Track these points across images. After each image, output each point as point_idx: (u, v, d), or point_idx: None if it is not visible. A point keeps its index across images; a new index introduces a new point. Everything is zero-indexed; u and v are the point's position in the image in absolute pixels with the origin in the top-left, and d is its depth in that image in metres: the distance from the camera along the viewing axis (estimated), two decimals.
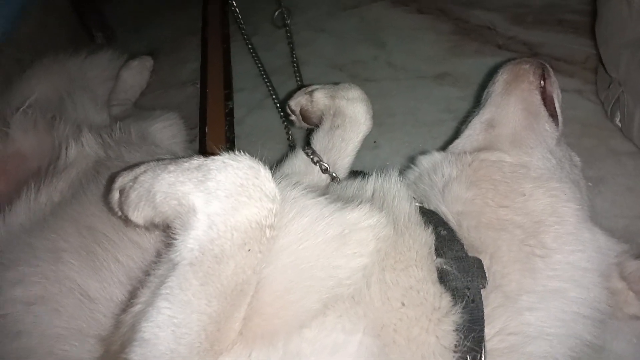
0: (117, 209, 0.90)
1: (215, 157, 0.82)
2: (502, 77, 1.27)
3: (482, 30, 2.10)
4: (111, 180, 0.92)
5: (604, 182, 1.46)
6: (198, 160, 0.83)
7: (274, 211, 0.80)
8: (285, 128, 1.81)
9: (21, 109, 1.52)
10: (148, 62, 2.27)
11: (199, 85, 2.25)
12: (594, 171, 1.46)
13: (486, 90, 1.30)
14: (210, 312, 0.76)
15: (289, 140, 1.76)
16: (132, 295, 0.86)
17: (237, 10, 2.12)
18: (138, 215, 0.84)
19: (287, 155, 1.46)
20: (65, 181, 1.27)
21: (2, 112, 1.51)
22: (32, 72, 1.85)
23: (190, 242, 0.77)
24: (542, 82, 1.24)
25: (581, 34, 1.91)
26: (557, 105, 1.24)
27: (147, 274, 0.83)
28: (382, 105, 1.87)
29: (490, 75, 1.37)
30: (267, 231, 0.79)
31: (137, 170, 0.88)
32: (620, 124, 1.54)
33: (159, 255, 0.84)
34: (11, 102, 1.60)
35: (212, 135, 1.96)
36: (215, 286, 0.76)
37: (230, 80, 2.22)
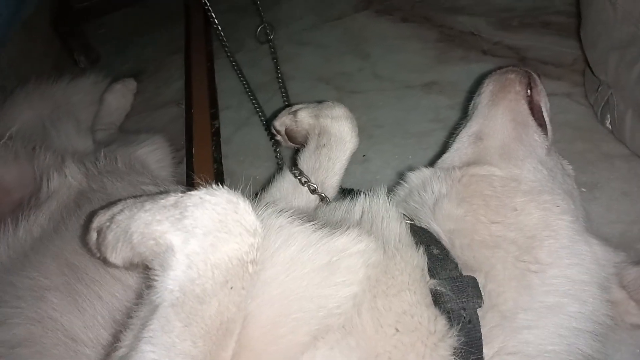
0: (95, 250, 0.87)
1: (192, 193, 0.79)
2: (488, 88, 1.24)
3: (467, 36, 2.09)
4: (89, 219, 0.89)
5: (598, 187, 1.44)
6: (175, 197, 0.80)
7: (255, 245, 0.77)
8: (273, 146, 1.79)
9: (2, 141, 1.50)
10: (131, 85, 2.25)
11: (184, 106, 2.22)
12: (588, 176, 1.44)
13: (472, 102, 1.28)
14: (196, 353, 0.73)
15: (277, 158, 1.74)
16: (116, 337, 0.82)
17: (220, 27, 2.09)
18: (116, 256, 0.81)
19: (274, 176, 1.43)
20: (45, 214, 1.25)
21: None
22: (14, 101, 1.82)
23: (170, 283, 0.74)
24: (528, 91, 1.22)
25: (567, 35, 1.90)
26: (545, 114, 1.22)
27: (129, 315, 0.80)
28: (369, 117, 1.85)
29: (476, 83, 1.35)
30: (250, 267, 0.77)
31: (114, 209, 0.85)
32: (610, 127, 1.52)
33: (140, 295, 0.81)
34: None
35: (199, 157, 1.94)
36: (200, 326, 0.73)
37: (216, 99, 2.20)
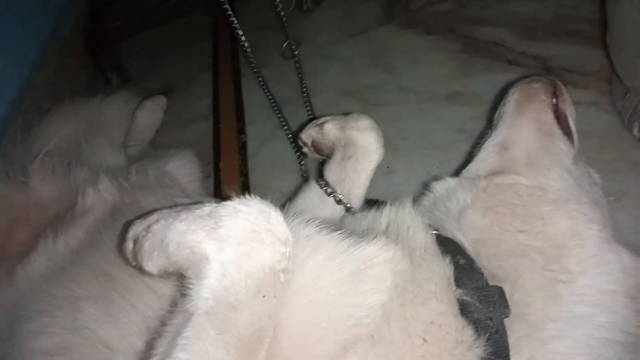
0: (131, 259, 0.90)
1: (226, 203, 0.82)
2: (513, 97, 1.25)
3: (491, 46, 2.09)
4: (125, 229, 0.93)
5: (627, 195, 1.41)
6: (209, 207, 0.83)
7: (287, 255, 0.80)
8: (298, 158, 1.82)
9: (39, 157, 1.56)
10: (162, 102, 2.30)
11: (212, 121, 2.27)
12: (616, 185, 1.42)
13: (497, 111, 1.28)
14: None
15: (302, 171, 1.77)
16: (150, 346, 0.85)
17: (246, 44, 2.14)
18: (152, 265, 0.84)
19: (300, 187, 1.46)
20: (82, 228, 1.29)
21: (22, 161, 1.54)
22: (50, 119, 1.89)
23: (205, 292, 0.77)
24: (554, 100, 1.21)
25: (593, 44, 1.87)
26: (571, 122, 1.21)
27: (163, 323, 0.83)
28: (394, 129, 1.86)
29: (501, 93, 1.35)
30: (281, 275, 0.79)
31: (150, 219, 0.89)
32: (638, 134, 1.50)
33: (174, 304, 0.83)
34: (30, 150, 1.64)
35: (226, 170, 1.98)
36: (233, 335, 0.75)
37: (242, 113, 2.25)
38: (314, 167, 1.79)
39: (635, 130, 1.51)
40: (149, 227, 0.87)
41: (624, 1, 1.41)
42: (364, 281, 0.87)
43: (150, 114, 2.22)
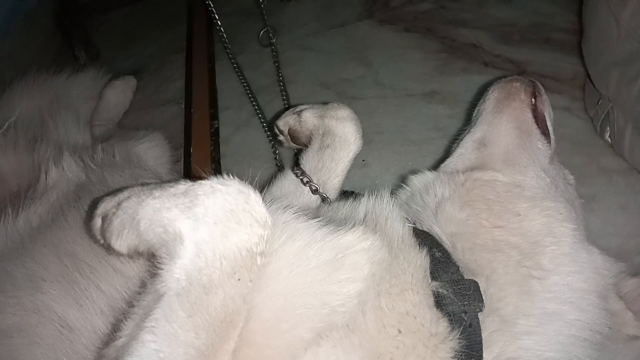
0: (99, 237, 0.85)
1: (203, 182, 0.79)
2: (493, 95, 1.26)
3: (469, 48, 2.10)
4: (93, 205, 0.88)
5: (596, 200, 1.45)
6: (185, 185, 0.79)
7: (265, 237, 0.77)
8: (272, 147, 1.79)
9: (1, 130, 1.48)
10: (131, 82, 2.24)
11: (183, 105, 2.21)
12: (586, 189, 1.44)
13: (477, 109, 1.29)
14: (198, 344, 0.72)
15: (277, 159, 1.74)
16: (115, 327, 0.81)
17: (222, 29, 2.10)
18: (121, 243, 0.80)
19: (275, 176, 1.43)
20: (44, 205, 1.23)
21: None
22: (14, 92, 1.81)
23: (177, 272, 0.73)
24: (533, 100, 1.23)
25: (568, 51, 1.92)
26: (548, 123, 1.23)
27: (130, 304, 0.79)
28: (370, 123, 1.85)
29: (478, 94, 1.36)
30: (258, 258, 0.76)
31: (121, 196, 0.84)
32: (610, 140, 1.54)
33: (143, 285, 0.80)
34: None
35: (197, 156, 1.93)
36: (204, 317, 0.72)
37: (216, 99, 2.19)
38: (288, 156, 1.76)
39: (606, 136, 1.54)
40: (119, 203, 0.83)
41: (601, 12, 1.44)
42: (341, 269, 0.85)
43: (119, 94, 2.15)
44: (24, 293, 1.00)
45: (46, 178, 1.35)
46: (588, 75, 1.61)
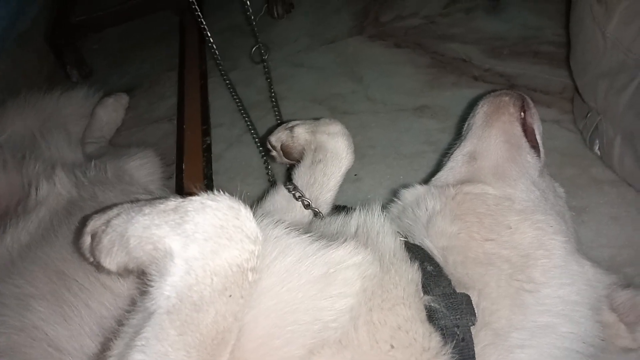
0: (88, 255, 0.85)
1: (193, 198, 0.79)
2: (482, 110, 1.26)
3: (458, 63, 2.12)
4: (83, 223, 0.88)
5: (587, 211, 1.45)
6: (175, 202, 0.79)
7: (256, 253, 0.77)
8: (264, 163, 1.79)
9: None
10: (123, 99, 2.25)
11: (176, 122, 2.22)
12: (577, 201, 1.46)
13: (467, 122, 1.30)
14: None
15: (269, 175, 1.74)
16: (105, 347, 0.80)
17: (215, 45, 2.11)
18: (111, 261, 0.80)
19: (267, 191, 1.43)
20: (34, 222, 1.22)
21: None
22: (5, 111, 1.81)
23: (167, 289, 0.73)
24: (522, 113, 1.24)
25: (557, 65, 1.93)
26: (538, 136, 1.24)
27: (120, 323, 0.78)
28: (362, 138, 1.87)
29: (468, 108, 1.37)
30: (249, 275, 0.76)
31: (110, 213, 0.84)
32: (599, 152, 1.55)
33: (133, 303, 0.79)
34: None
35: (189, 172, 1.93)
36: (195, 336, 0.72)
37: (208, 116, 2.20)
38: (280, 172, 1.76)
39: (595, 148, 1.55)
40: (108, 221, 0.82)
41: (587, 25, 1.46)
42: (333, 285, 0.85)
43: (111, 112, 2.16)
44: (12, 312, 1.00)
45: (36, 194, 1.35)
46: (576, 88, 1.62)
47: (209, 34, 2.10)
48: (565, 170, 1.56)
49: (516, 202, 1.08)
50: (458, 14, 2.38)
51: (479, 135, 1.22)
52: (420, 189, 1.18)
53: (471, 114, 1.29)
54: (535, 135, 1.23)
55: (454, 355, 0.84)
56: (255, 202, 1.41)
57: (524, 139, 1.20)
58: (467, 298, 0.92)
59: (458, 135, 1.35)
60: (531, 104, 1.27)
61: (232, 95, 2.15)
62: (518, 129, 1.21)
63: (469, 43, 2.20)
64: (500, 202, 1.07)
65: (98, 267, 0.83)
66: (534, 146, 1.21)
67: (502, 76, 2.00)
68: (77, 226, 1.08)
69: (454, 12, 2.40)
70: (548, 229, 1.02)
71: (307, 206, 1.28)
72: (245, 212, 0.79)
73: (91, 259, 0.84)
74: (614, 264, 1.31)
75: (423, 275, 0.95)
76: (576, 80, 1.62)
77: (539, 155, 1.21)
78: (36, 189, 1.33)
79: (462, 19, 2.35)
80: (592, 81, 1.48)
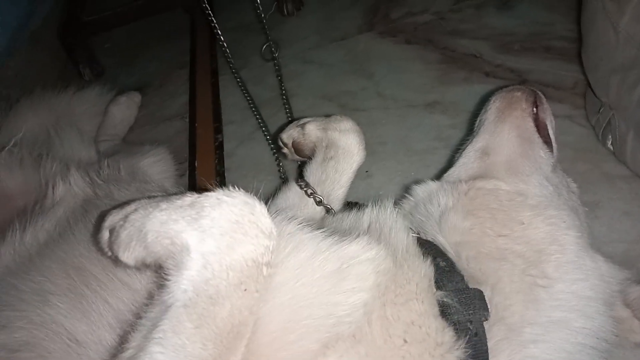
0: (106, 249, 0.86)
1: (209, 194, 0.80)
2: (494, 105, 1.26)
3: (469, 58, 2.12)
4: (101, 218, 0.89)
5: (600, 206, 1.45)
6: (191, 197, 0.80)
7: (270, 248, 0.78)
8: (276, 160, 1.80)
9: (7, 147, 1.50)
10: (136, 98, 2.27)
11: (187, 119, 2.24)
12: (589, 196, 1.45)
13: (479, 118, 1.30)
14: (205, 356, 0.72)
15: (281, 172, 1.75)
16: (123, 340, 0.82)
17: (225, 44, 2.13)
18: (129, 255, 0.81)
19: (279, 188, 1.44)
20: (51, 220, 1.24)
21: None
22: (19, 109, 1.84)
23: (184, 283, 0.74)
24: (534, 109, 1.24)
25: (569, 60, 1.93)
26: (550, 131, 1.24)
27: (137, 316, 0.80)
28: (373, 134, 1.87)
29: (480, 103, 1.36)
30: (264, 269, 0.77)
31: (128, 209, 0.85)
32: (612, 147, 1.54)
33: (150, 297, 0.80)
34: None
35: (202, 169, 1.94)
36: (211, 329, 0.73)
37: (220, 113, 2.22)
38: (291, 169, 1.77)
39: (608, 144, 1.55)
40: (126, 216, 0.84)
41: (599, 20, 1.45)
42: (347, 279, 0.85)
43: (124, 110, 2.18)
44: (32, 307, 1.01)
45: (53, 193, 1.37)
46: (588, 83, 1.62)
47: (220, 32, 2.12)
48: (578, 166, 1.56)
49: (529, 197, 1.07)
50: (468, 9, 2.38)
51: (492, 130, 1.22)
52: (432, 185, 1.18)
53: (483, 110, 1.29)
54: (547, 130, 1.23)
55: (467, 350, 0.85)
56: (268, 198, 1.42)
57: (536, 135, 1.20)
58: (480, 293, 0.92)
59: (469, 131, 1.35)
60: (543, 99, 1.27)
61: (243, 93, 2.17)
62: (530, 124, 1.21)
63: (480, 39, 2.20)
64: (513, 197, 1.07)
65: (116, 261, 0.84)
66: (547, 141, 1.21)
67: (513, 72, 1.99)
68: (94, 223, 1.09)
69: (465, 8, 2.40)
70: (561, 224, 1.02)
71: (319, 203, 1.28)
72: (260, 207, 0.80)
73: (109, 254, 0.86)
74: (627, 259, 1.30)
75: (436, 270, 0.95)
76: (588, 75, 1.61)
77: (551, 151, 1.20)
78: (53, 188, 1.35)
79: (473, 15, 2.34)
80: (604, 76, 1.47)
